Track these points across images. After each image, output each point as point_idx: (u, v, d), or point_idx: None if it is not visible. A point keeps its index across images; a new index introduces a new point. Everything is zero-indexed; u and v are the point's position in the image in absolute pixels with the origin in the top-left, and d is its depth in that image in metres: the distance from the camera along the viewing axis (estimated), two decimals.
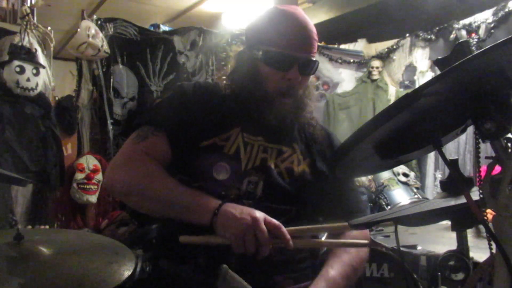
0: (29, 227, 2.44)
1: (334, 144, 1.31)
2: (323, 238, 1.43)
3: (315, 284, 1.08)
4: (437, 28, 3.58)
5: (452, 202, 0.81)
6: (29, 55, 2.52)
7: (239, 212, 0.99)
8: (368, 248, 1.29)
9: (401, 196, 2.66)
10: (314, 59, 1.18)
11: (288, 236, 0.99)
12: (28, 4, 2.65)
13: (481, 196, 0.67)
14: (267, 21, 1.18)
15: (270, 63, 1.15)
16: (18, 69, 2.47)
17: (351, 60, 3.95)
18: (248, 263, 1.02)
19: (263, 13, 1.21)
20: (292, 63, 1.13)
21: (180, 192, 1.08)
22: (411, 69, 3.74)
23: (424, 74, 3.63)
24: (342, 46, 4.07)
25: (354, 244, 1.14)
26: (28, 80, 2.50)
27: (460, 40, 0.79)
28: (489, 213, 0.68)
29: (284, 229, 1.00)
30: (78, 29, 2.76)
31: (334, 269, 1.13)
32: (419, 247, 1.51)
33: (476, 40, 3.28)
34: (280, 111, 1.17)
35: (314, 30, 1.18)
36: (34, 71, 2.53)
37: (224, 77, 1.28)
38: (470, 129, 0.75)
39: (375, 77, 3.80)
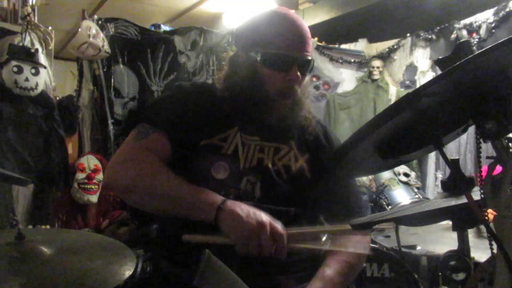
0: (30, 227, 2.44)
1: (330, 137, 1.31)
2: (324, 238, 1.43)
3: (312, 284, 1.09)
4: (438, 28, 3.57)
5: (453, 202, 0.81)
6: (27, 55, 2.51)
7: (245, 214, 0.99)
8: (368, 248, 1.29)
9: (401, 196, 2.66)
10: (310, 58, 1.19)
11: (285, 247, 1.00)
12: (30, 4, 2.65)
13: (482, 196, 0.67)
14: (261, 23, 1.19)
15: (270, 65, 1.15)
16: (15, 69, 2.47)
17: (352, 60, 3.95)
18: (252, 263, 1.03)
19: (254, 16, 1.22)
20: (292, 63, 1.14)
21: (184, 189, 1.07)
22: (412, 69, 3.74)
23: (425, 74, 3.63)
24: (343, 46, 4.06)
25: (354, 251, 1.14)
26: (26, 79, 2.50)
27: (461, 40, 0.78)
28: (490, 213, 0.68)
29: (285, 239, 0.99)
30: (79, 29, 2.76)
31: (330, 268, 1.13)
32: (418, 247, 1.50)
33: (477, 40, 3.28)
34: (280, 112, 1.18)
35: (307, 29, 1.19)
36: (33, 70, 2.53)
37: (218, 78, 1.28)
38: (471, 129, 0.75)
39: (376, 77, 3.80)
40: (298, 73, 1.14)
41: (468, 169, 3.26)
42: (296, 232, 1.04)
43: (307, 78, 1.25)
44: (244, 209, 1.01)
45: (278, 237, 0.99)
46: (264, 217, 1.00)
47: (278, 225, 1.00)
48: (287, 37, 1.14)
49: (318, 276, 1.11)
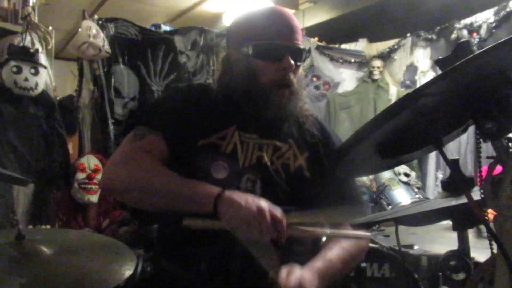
0: (30, 226, 2.44)
1: (329, 135, 1.31)
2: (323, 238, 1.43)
3: (312, 263, 1.09)
4: (438, 27, 3.57)
5: (453, 202, 0.81)
6: (27, 55, 2.51)
7: (244, 200, 0.99)
8: (368, 241, 1.30)
9: (402, 196, 2.66)
10: (302, 47, 1.19)
11: (285, 232, 1.00)
12: (30, 4, 2.65)
13: (482, 196, 0.67)
14: (250, 19, 1.21)
15: (263, 56, 1.16)
16: (15, 69, 2.47)
17: (352, 60, 3.95)
18: (251, 262, 1.03)
19: (241, 15, 1.24)
20: (284, 52, 1.15)
21: (181, 183, 1.08)
22: (412, 69, 3.74)
23: (425, 74, 3.63)
24: (343, 46, 4.06)
25: (354, 236, 1.14)
26: (26, 79, 2.49)
27: (461, 40, 0.78)
28: (490, 213, 0.68)
29: (284, 224, 1.00)
30: (79, 29, 2.76)
31: (332, 252, 1.14)
32: (416, 247, 1.51)
33: (477, 40, 3.28)
34: (278, 103, 1.18)
35: (296, 20, 1.21)
36: (33, 70, 2.53)
37: (214, 79, 1.29)
38: (471, 129, 0.75)
39: (376, 77, 3.80)
40: (292, 61, 1.15)
41: (468, 169, 3.26)
42: (295, 221, 1.04)
43: (301, 70, 1.25)
44: (242, 196, 1.01)
45: (277, 222, 0.99)
46: (263, 202, 1.00)
47: (277, 211, 1.01)
48: (277, 27, 1.16)
49: (319, 256, 1.12)
